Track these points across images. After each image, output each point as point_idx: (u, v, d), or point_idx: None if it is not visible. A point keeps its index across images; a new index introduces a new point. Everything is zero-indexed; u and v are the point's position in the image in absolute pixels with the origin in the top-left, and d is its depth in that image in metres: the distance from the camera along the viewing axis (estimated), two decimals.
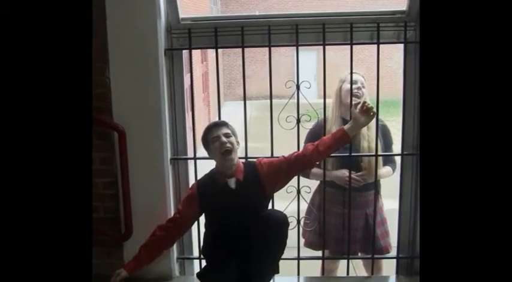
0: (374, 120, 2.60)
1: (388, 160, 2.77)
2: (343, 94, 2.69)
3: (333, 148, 2.38)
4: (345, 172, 2.64)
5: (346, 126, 2.35)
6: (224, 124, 2.38)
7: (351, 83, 2.59)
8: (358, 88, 2.64)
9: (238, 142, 2.38)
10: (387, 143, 2.75)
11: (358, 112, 2.34)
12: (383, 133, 2.71)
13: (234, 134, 2.37)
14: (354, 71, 2.64)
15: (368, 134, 2.64)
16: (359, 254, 2.82)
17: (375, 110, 2.35)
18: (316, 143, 2.37)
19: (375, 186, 2.73)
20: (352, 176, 2.63)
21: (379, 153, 2.63)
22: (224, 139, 2.31)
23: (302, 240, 2.80)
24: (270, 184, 2.37)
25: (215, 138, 2.32)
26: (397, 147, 2.76)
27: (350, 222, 2.68)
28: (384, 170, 2.74)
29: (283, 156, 2.39)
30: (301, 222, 2.68)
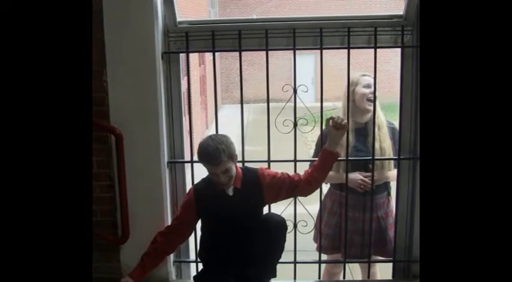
0: (385, 120, 2.60)
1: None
2: (357, 98, 2.65)
3: (326, 169, 2.38)
4: (357, 175, 2.64)
5: (326, 146, 2.35)
6: (219, 160, 2.18)
7: (348, 86, 2.59)
8: (372, 92, 2.62)
9: (236, 157, 2.31)
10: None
11: (331, 126, 2.30)
12: (394, 135, 2.69)
13: (232, 157, 2.25)
14: (364, 73, 2.63)
15: (379, 134, 2.63)
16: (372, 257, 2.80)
17: (345, 121, 2.33)
18: (309, 169, 2.37)
19: (387, 188, 2.74)
20: (363, 178, 2.63)
21: (393, 155, 2.64)
22: (222, 179, 2.24)
23: (304, 245, 2.79)
24: (270, 195, 2.36)
25: (212, 174, 2.26)
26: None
27: (361, 225, 2.69)
28: (395, 173, 2.73)
29: (288, 174, 2.37)
30: (298, 227, 2.68)
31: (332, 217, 2.75)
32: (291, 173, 2.41)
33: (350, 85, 2.67)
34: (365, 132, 2.64)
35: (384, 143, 2.63)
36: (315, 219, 2.82)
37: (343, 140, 2.47)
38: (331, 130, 2.30)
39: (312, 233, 2.83)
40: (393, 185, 2.69)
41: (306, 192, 2.40)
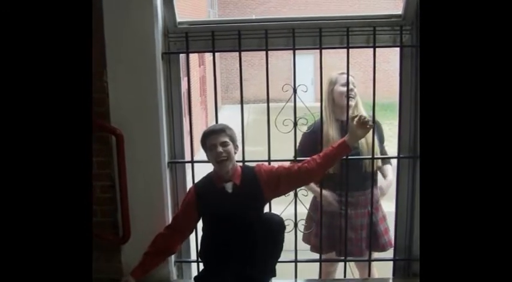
0: (366, 115, 2.64)
1: (386, 159, 2.83)
2: (336, 96, 2.70)
3: (336, 159, 2.40)
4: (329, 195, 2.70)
5: (346, 138, 2.35)
6: (222, 131, 2.34)
7: (348, 86, 2.60)
8: (351, 90, 2.65)
9: (237, 146, 2.37)
10: (381, 140, 2.78)
11: (355, 125, 2.32)
12: (378, 129, 2.71)
13: (233, 140, 2.35)
14: (343, 72, 2.65)
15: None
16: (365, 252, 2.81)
17: (371, 123, 2.36)
18: (318, 155, 2.37)
19: (375, 183, 2.77)
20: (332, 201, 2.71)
21: (379, 148, 2.67)
22: (220, 149, 2.29)
23: (305, 245, 2.83)
24: (269, 191, 2.37)
25: (212, 146, 2.31)
26: (393, 149, 2.77)
27: (354, 222, 2.72)
28: (390, 168, 2.80)
29: (283, 166, 2.39)
30: (298, 226, 2.68)
31: (327, 217, 2.75)
32: (288, 164, 2.43)
33: (329, 84, 2.72)
34: (348, 129, 2.65)
35: (370, 138, 2.64)
36: (305, 221, 2.81)
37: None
38: (355, 128, 2.32)
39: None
40: (392, 184, 2.70)
41: (313, 179, 2.44)
